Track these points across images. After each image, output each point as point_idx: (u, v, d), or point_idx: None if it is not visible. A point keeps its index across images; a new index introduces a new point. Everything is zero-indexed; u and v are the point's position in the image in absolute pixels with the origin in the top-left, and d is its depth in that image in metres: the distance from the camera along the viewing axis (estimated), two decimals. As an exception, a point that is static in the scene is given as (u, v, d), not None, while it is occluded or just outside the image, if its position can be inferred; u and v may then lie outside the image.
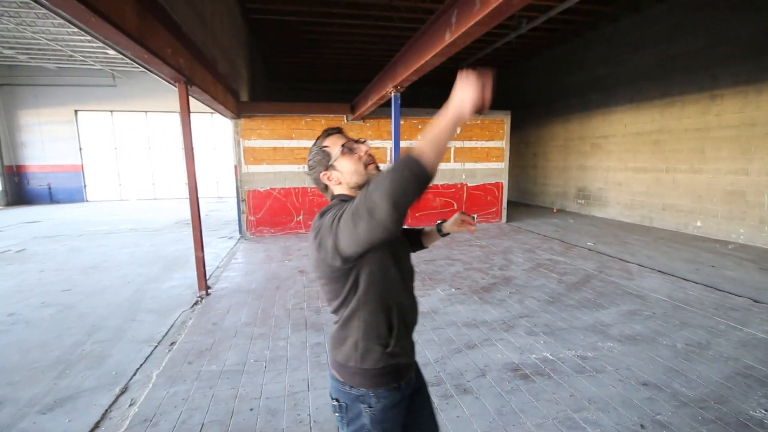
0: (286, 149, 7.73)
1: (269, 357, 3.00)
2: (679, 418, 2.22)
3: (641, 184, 8.18)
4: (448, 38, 2.78)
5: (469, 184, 8.69)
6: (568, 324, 3.52)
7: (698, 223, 7.05)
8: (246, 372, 2.79)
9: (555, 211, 10.63)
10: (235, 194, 8.49)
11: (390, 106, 5.07)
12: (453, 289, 4.50)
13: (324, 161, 1.12)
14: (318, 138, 1.17)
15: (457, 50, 2.96)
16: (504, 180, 8.86)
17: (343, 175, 1.11)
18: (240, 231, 7.86)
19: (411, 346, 1.16)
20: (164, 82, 4.12)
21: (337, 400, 1.10)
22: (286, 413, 2.31)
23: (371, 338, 1.05)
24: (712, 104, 6.66)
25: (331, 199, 1.14)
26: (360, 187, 1.10)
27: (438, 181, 8.50)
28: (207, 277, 4.57)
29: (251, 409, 2.36)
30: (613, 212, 8.98)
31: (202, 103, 5.39)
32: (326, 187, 1.16)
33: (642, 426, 2.15)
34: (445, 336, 3.32)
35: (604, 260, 5.62)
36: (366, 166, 1.11)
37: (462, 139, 8.47)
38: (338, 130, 1.17)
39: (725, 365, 2.78)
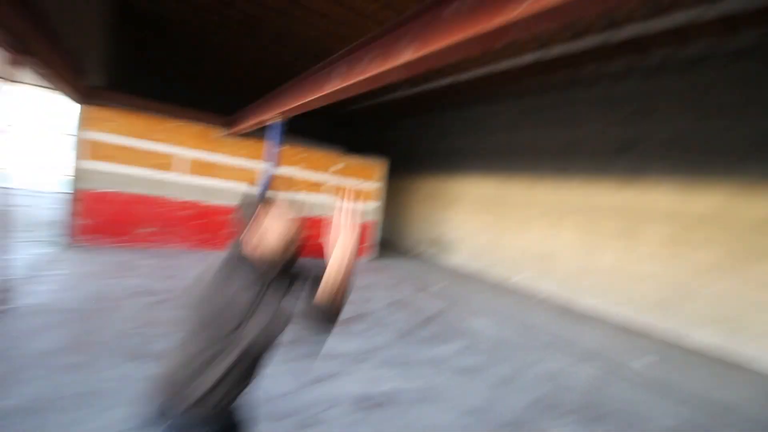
0: (142, 151, 6.84)
1: (83, 392, 2.51)
2: (490, 438, 2.65)
3: (482, 239, 9.71)
4: (337, 84, 2.98)
5: (341, 219, 8.98)
6: (413, 358, 3.88)
7: (518, 277, 8.66)
8: (50, 409, 2.27)
9: (415, 255, 11.69)
10: (60, 190, 7.01)
11: (273, 129, 5.05)
12: (313, 321, 4.51)
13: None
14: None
15: (345, 97, 3.20)
16: (376, 219, 9.45)
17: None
18: (67, 236, 6.44)
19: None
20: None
21: None
22: (99, 459, 1.95)
23: None
24: (535, 185, 8.50)
25: None
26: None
27: (313, 213, 8.58)
28: (5, 290, 3.61)
29: (50, 457, 1.92)
30: (460, 261, 10.36)
31: (41, 77, 4.47)
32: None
33: (462, 447, 2.50)
34: (297, 369, 3.29)
35: (448, 302, 6.40)
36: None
37: (341, 175, 8.82)
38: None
39: (530, 394, 3.43)
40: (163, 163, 7.06)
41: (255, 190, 1.24)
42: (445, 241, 10.96)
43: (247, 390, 1.25)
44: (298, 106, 3.88)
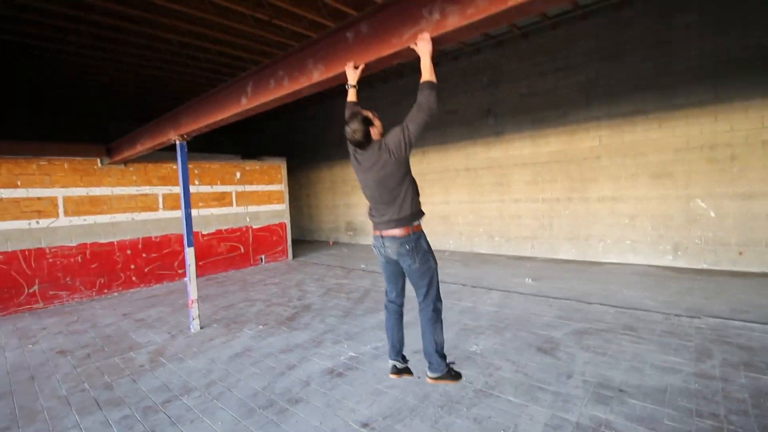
0: (7, 200, 5.96)
1: (60, 448, 2.49)
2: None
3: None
4: (245, 104, 3.21)
5: (254, 227, 8.93)
6: (360, 328, 4.41)
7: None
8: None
9: (331, 243, 12.10)
10: None
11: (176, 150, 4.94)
12: (260, 326, 4.71)
13: (370, 122, 2.28)
14: (354, 117, 2.28)
15: (254, 114, 3.42)
16: (286, 220, 9.57)
17: (378, 127, 2.36)
18: None
19: None
20: None
21: (406, 246, 2.36)
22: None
23: (417, 193, 2.40)
24: (425, 156, 9.51)
25: (369, 142, 2.32)
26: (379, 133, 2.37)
27: (222, 226, 8.37)
28: None
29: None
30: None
31: None
32: (368, 136, 2.28)
33: (418, 377, 3.12)
34: (266, 366, 3.57)
35: (374, 277, 7.04)
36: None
37: (243, 183, 8.71)
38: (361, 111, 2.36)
39: (454, 326, 4.22)
40: (42, 209, 6.23)
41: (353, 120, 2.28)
42: (357, 224, 11.57)
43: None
44: (204, 126, 3.94)
